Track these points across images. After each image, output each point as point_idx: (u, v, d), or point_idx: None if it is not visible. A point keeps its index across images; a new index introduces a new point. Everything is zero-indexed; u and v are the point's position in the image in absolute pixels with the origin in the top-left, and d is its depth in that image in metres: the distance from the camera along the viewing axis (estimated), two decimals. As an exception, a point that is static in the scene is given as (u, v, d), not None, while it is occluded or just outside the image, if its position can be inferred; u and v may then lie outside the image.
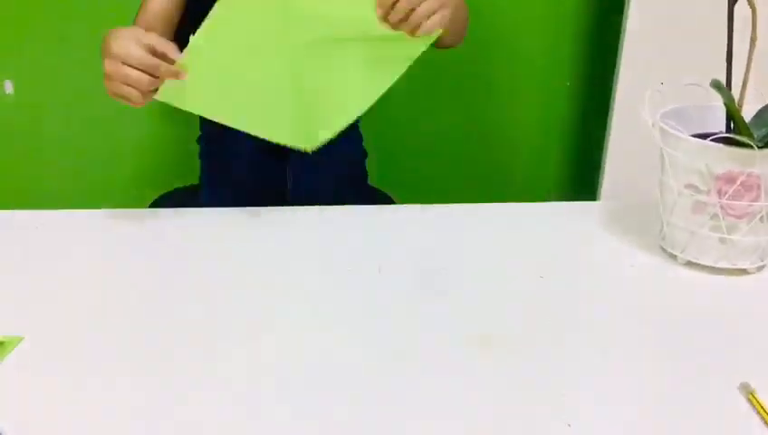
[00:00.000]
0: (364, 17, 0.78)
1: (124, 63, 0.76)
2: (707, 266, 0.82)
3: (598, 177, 1.58)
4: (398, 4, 0.78)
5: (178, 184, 1.41)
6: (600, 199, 1.56)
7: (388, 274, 0.82)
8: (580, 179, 1.78)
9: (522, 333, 0.71)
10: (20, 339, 0.68)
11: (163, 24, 0.96)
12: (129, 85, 0.77)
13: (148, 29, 0.81)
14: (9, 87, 1.59)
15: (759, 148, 0.74)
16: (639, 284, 0.81)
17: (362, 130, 1.34)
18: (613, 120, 1.50)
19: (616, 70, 1.47)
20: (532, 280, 0.81)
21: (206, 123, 1.31)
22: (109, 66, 0.76)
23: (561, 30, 1.68)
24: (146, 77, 0.76)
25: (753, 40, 0.77)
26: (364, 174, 1.28)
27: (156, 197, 1.31)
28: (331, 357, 0.67)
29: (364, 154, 1.32)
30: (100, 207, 0.95)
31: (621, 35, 1.45)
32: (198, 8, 0.86)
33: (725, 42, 0.79)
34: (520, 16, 1.66)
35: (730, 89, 0.79)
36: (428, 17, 0.79)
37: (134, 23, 0.97)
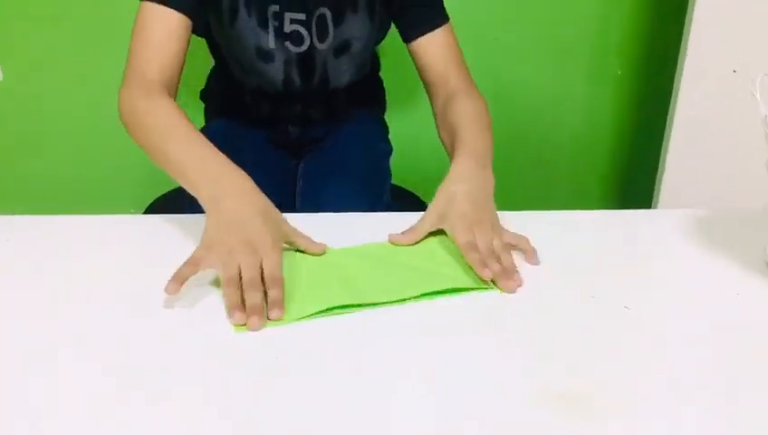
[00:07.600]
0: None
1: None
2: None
3: (653, 180, 1.39)
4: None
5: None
6: (656, 206, 1.38)
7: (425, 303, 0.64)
8: (631, 182, 1.61)
9: (615, 391, 0.53)
10: None
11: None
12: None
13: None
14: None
15: None
16: (752, 320, 0.63)
17: (389, 122, 1.18)
18: (675, 117, 1.32)
19: (680, 55, 1.29)
20: (618, 312, 0.63)
21: (211, 117, 1.15)
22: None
23: (610, 16, 1.52)
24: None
25: None
26: (388, 172, 1.10)
27: (156, 196, 1.16)
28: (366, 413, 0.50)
29: (389, 149, 1.14)
30: (98, 208, 0.90)
31: (689, 15, 1.28)
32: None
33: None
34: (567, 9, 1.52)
35: None
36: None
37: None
